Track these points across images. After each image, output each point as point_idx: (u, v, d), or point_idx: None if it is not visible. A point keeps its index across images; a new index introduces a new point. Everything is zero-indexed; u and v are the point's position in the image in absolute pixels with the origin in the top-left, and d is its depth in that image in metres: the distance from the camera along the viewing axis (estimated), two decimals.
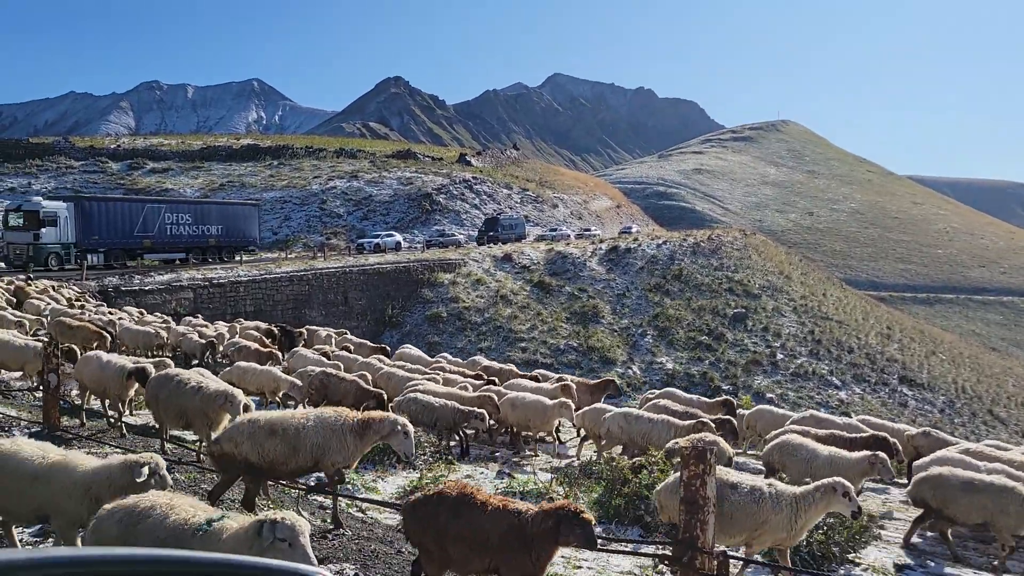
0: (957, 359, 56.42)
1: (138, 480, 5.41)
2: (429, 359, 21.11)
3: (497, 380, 16.88)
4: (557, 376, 18.67)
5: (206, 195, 63.25)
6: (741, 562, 7.17)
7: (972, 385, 51.00)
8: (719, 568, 5.99)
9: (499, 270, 49.19)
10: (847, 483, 6.86)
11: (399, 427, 7.02)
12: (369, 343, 23.52)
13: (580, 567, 7.38)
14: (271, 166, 75.68)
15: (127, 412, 11.58)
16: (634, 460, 10.28)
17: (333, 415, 7.06)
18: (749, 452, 14.76)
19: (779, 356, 44.97)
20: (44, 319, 19.13)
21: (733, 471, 7.40)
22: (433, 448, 11.80)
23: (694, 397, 16.91)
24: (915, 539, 9.25)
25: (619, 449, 12.60)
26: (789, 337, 47.30)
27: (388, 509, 8.26)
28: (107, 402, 11.67)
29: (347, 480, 9.19)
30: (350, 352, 19.55)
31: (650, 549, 6.99)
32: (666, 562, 5.93)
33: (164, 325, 21.16)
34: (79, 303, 24.44)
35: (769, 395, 38.89)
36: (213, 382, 9.39)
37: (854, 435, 11.60)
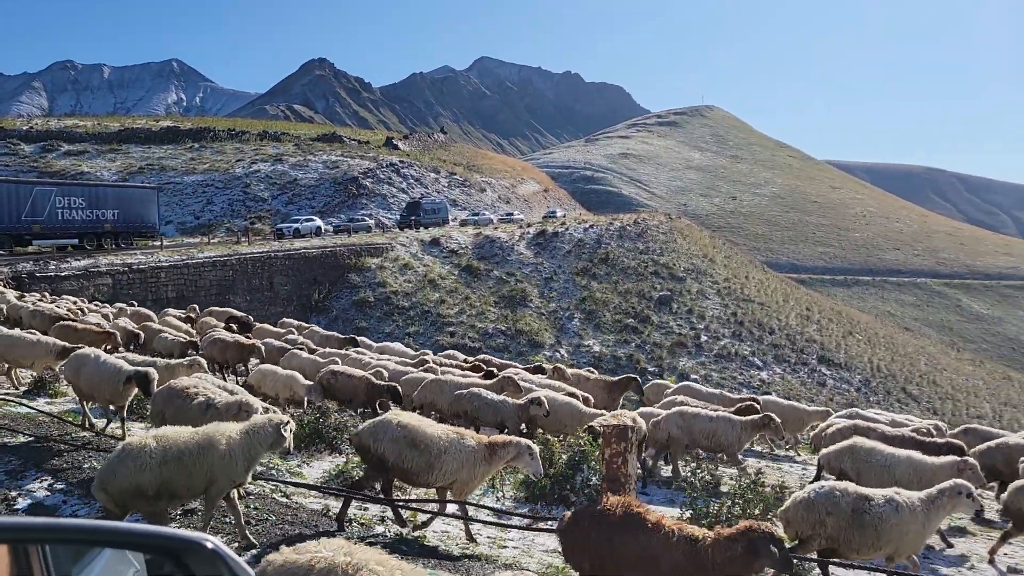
0: (873, 339, 58.65)
1: (284, 434, 6.43)
2: (411, 351, 20.47)
3: (496, 373, 15.38)
4: (553, 366, 17.37)
5: (124, 179, 61.05)
6: None
7: (887, 364, 53.05)
8: None
9: (427, 254, 48.91)
10: (969, 484, 6.92)
11: (525, 448, 7.20)
12: (337, 335, 22.43)
13: (506, 546, 7.44)
14: (192, 149, 73.40)
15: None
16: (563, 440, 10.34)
17: (472, 442, 7.24)
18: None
19: (703, 338, 45.99)
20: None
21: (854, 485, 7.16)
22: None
23: (716, 392, 15.89)
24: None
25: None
26: (713, 319, 48.40)
27: (313, 493, 8.20)
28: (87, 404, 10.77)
29: (270, 466, 9.06)
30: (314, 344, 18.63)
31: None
32: None
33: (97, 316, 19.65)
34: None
35: (693, 376, 39.80)
36: (223, 394, 8.54)
37: (926, 438, 11.04)
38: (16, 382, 13.39)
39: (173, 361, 12.26)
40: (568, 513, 5.25)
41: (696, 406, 12.12)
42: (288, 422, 6.55)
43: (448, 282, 46.10)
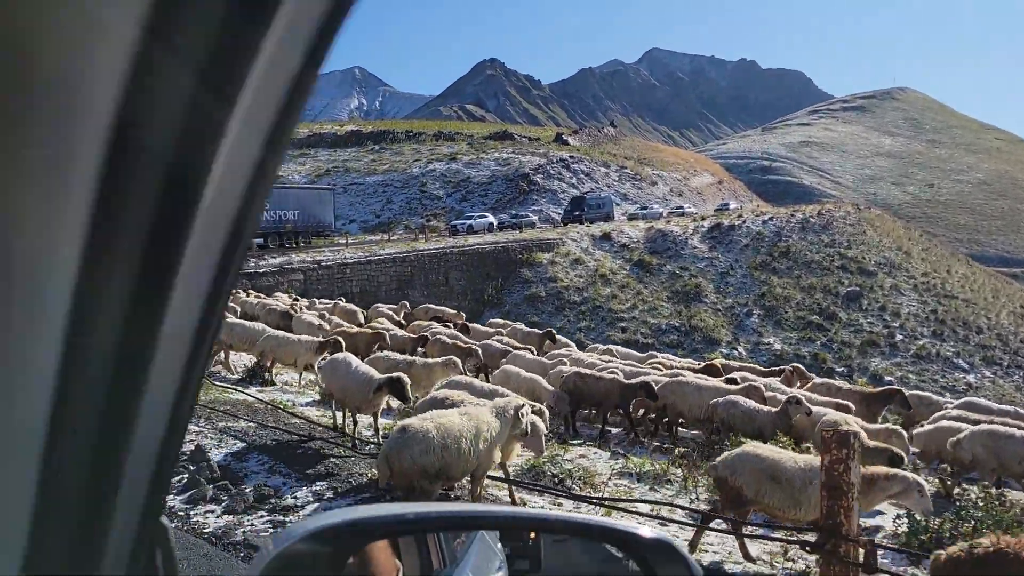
0: None
1: (521, 418, 7.03)
2: (636, 352, 20.35)
3: (737, 380, 14.13)
4: (786, 369, 16.22)
5: (313, 180, 65.30)
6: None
7: None
8: (866, 556, 5.49)
9: (598, 249, 48.54)
10: None
11: (913, 485, 6.47)
12: (536, 331, 21.82)
13: (706, 551, 7.03)
14: (373, 151, 77.54)
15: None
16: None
17: None
18: None
19: (898, 337, 42.65)
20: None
21: None
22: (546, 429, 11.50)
23: (1008, 408, 14.05)
24: None
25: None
26: (909, 317, 44.80)
27: (505, 486, 8.24)
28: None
29: None
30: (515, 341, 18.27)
31: (780, 534, 6.60)
32: (807, 548, 5.49)
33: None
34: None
35: (888, 378, 36.93)
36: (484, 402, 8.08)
37: None
38: (232, 369, 14.57)
39: (431, 360, 12.49)
40: (943, 553, 4.26)
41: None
42: (524, 405, 7.15)
43: (619, 277, 45.49)
